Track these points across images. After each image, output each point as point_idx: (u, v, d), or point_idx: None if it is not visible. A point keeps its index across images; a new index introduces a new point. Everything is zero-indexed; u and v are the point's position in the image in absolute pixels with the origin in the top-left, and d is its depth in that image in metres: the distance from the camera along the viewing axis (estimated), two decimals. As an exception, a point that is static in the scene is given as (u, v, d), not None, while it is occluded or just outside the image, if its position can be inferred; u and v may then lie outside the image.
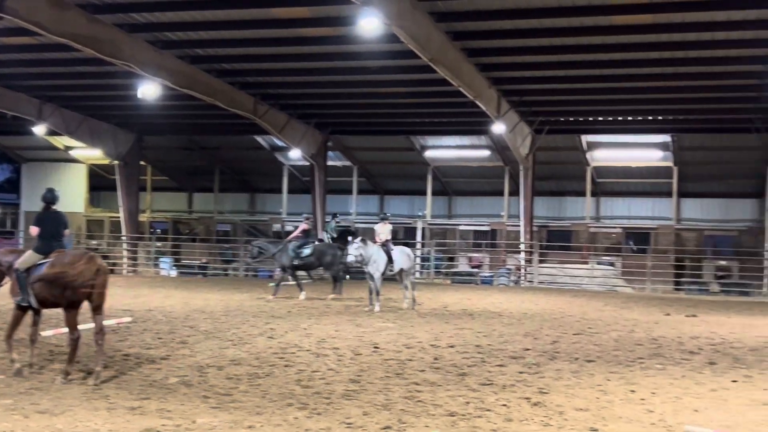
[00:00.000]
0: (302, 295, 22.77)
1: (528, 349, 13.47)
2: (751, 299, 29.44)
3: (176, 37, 24.74)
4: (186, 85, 26.78)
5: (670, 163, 36.31)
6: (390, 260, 20.38)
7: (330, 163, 38.51)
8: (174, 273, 35.64)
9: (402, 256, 20.83)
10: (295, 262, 23.63)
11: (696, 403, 9.50)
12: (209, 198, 43.16)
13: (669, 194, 37.29)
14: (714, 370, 11.93)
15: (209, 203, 43.29)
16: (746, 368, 12.13)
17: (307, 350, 12.82)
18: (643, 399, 9.62)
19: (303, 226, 24.52)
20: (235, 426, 7.97)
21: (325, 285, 26.17)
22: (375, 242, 20.62)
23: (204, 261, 37.06)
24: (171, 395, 9.40)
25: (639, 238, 38.00)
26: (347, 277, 27.09)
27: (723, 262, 35.66)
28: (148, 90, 25.20)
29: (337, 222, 32.26)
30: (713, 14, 21.24)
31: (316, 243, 25.53)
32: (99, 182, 42.50)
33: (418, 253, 35.84)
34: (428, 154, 38.87)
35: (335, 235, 29.04)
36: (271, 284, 25.53)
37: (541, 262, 34.37)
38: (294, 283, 24.06)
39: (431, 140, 38.44)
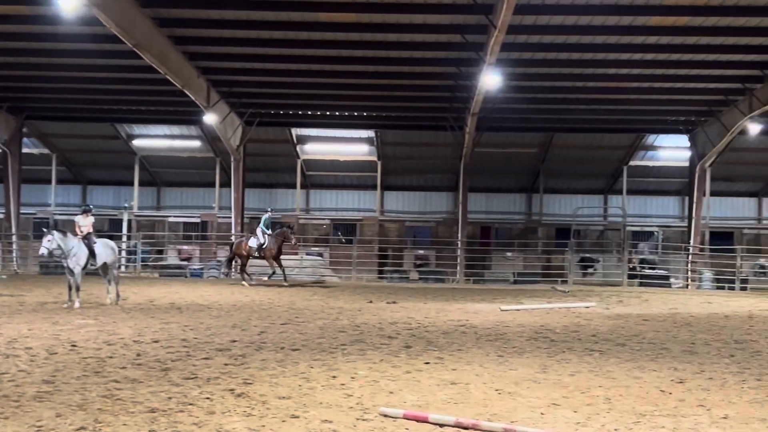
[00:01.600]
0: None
1: (235, 341, 13.44)
2: (446, 286, 31.52)
3: None
4: None
5: (374, 158, 37.96)
6: (92, 254, 19.44)
7: (26, 150, 36.06)
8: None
9: (105, 250, 19.93)
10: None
11: (392, 385, 9.96)
12: None
13: (374, 187, 39.00)
14: (409, 353, 12.57)
15: None
16: (438, 350, 12.92)
17: (-4, 351, 11.88)
18: (343, 384, 9.93)
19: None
20: None
21: (18, 281, 24.40)
22: (76, 235, 19.57)
23: None
24: None
25: (346, 229, 39.35)
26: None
27: (422, 252, 37.94)
28: None
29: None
30: (412, 17, 22.46)
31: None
32: None
33: (124, 246, 34.55)
34: (136, 143, 37.61)
35: (270, 231, 27.86)
36: None
37: (251, 253, 34.42)
38: None
39: (139, 129, 37.24)
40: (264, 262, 28.23)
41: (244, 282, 27.49)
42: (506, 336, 14.95)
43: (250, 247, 27.73)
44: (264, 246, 27.45)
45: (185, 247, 37.26)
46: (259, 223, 28.47)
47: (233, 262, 29.68)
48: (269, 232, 27.74)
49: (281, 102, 32.72)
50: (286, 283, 27.59)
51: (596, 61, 25.87)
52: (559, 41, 24.05)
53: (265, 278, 28.05)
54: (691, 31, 22.97)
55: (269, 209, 30.09)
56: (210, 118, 29.74)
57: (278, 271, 27.74)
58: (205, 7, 22.18)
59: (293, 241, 28.00)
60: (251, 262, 28.53)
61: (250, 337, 14.07)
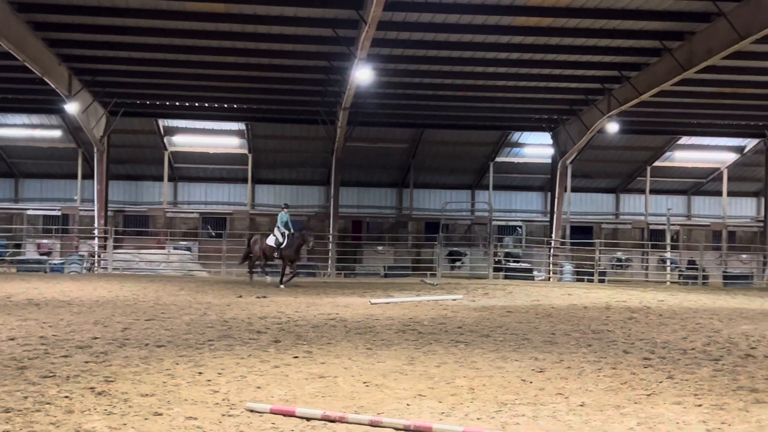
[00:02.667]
0: None
1: (96, 338, 13.03)
2: (317, 280, 31.54)
3: None
4: None
5: (245, 150, 37.55)
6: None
7: None
8: None
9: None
10: None
11: (259, 380, 9.89)
12: None
13: (245, 180, 38.59)
14: (278, 347, 12.52)
15: None
16: (307, 344, 12.92)
17: None
18: (209, 380, 9.78)
19: None
20: None
21: None
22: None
23: None
24: None
25: (216, 223, 38.78)
26: None
27: (293, 246, 37.75)
28: None
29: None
30: (282, 9, 22.33)
31: None
32: None
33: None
34: (-9, 132, 35.90)
35: (292, 230, 25.56)
36: None
37: (116, 247, 33.52)
38: None
39: (-6, 118, 35.56)
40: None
41: (265, 279, 26.02)
42: (375, 329, 15.08)
43: (268, 246, 25.93)
44: (283, 246, 25.36)
45: (45, 241, 35.87)
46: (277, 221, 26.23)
47: (251, 262, 27.77)
48: (289, 231, 25.59)
49: (148, 92, 31.88)
50: (282, 286, 25.11)
51: (464, 59, 26.40)
52: (428, 38, 24.41)
53: (280, 285, 25.36)
54: (553, 32, 23.76)
55: (285, 205, 27.08)
56: (72, 108, 28.72)
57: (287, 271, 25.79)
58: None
59: (311, 245, 25.76)
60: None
61: (112, 333, 13.68)
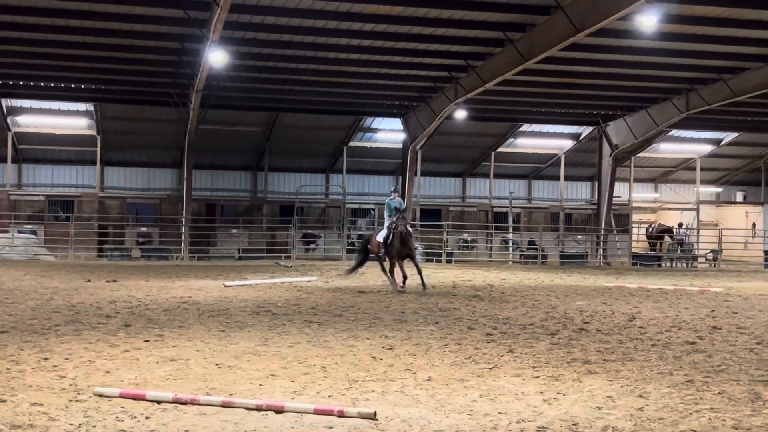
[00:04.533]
0: None
1: (-67, 325, 12.30)
2: (170, 263, 30.90)
3: None
4: None
5: (93, 132, 36.21)
6: None
7: None
8: None
9: None
10: None
11: (108, 364, 9.63)
12: None
13: (93, 162, 37.19)
14: (128, 332, 12.22)
15: None
16: (159, 328, 12.67)
17: None
18: (56, 365, 9.45)
19: None
20: None
21: None
22: None
23: None
24: None
25: (63, 206, 37.27)
26: None
27: (144, 229, 36.86)
28: None
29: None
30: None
31: None
32: None
33: None
34: None
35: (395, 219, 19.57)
36: None
37: (-45, 231, 31.71)
38: None
39: None
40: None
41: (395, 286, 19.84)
42: (229, 311, 14.96)
43: (376, 242, 20.30)
44: (390, 242, 19.62)
45: None
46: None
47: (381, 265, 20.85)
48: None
49: (-11, 71, 30.18)
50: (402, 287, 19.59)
51: (318, 45, 26.34)
52: (282, 23, 24.16)
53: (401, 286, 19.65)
54: (403, 21, 24.02)
55: (394, 189, 21.30)
56: None
57: (399, 279, 19.74)
58: None
59: (401, 230, 19.34)
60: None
61: (-49, 320, 12.97)
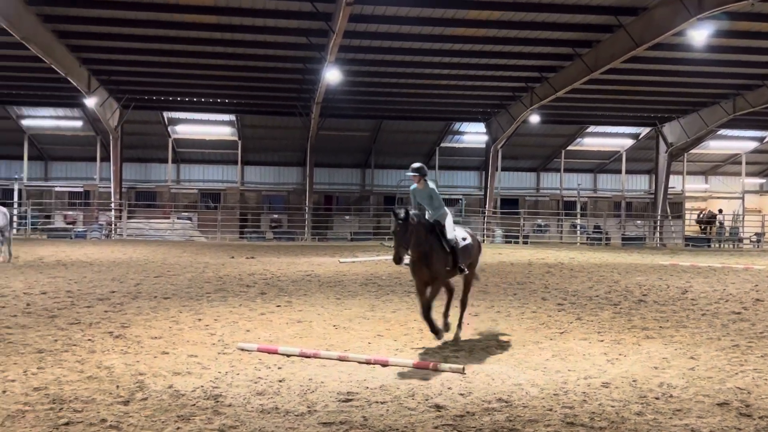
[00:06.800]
0: None
1: (114, 292, 12.90)
2: (296, 243, 31.47)
3: None
4: None
5: (236, 138, 37.16)
6: (-16, 219, 17.95)
7: None
8: None
9: (-4, 215, 18.52)
10: None
11: (248, 324, 9.88)
12: None
13: (235, 162, 38.20)
14: (264, 298, 12.50)
15: None
16: (288, 295, 12.92)
17: None
18: (207, 325, 9.76)
19: None
20: None
21: None
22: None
23: None
24: None
25: (212, 197, 38.46)
26: None
27: (276, 216, 37.65)
28: None
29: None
30: (265, 21, 22.00)
31: None
32: None
33: (16, 212, 32.26)
34: (25, 122, 35.07)
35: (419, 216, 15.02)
36: None
37: (129, 218, 33.10)
38: None
39: (27, 110, 34.67)
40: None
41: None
42: (343, 283, 15.11)
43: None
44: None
45: (70, 212, 35.24)
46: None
47: None
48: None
49: (154, 89, 31.31)
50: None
51: (415, 63, 26.28)
52: (385, 45, 24.24)
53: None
54: (486, 41, 23.72)
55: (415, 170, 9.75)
56: (91, 102, 28.17)
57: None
58: (85, 6, 20.81)
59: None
60: None
61: (127, 288, 13.56)
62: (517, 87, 29.81)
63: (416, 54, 25.10)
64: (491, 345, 8.66)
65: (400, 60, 25.96)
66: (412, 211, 8.68)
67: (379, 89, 30.60)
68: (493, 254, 19.21)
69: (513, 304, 12.19)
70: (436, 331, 8.54)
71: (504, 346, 8.60)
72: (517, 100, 31.03)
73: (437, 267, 8.59)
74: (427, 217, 9.13)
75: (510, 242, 33.80)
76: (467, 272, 9.44)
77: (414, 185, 9.52)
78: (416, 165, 9.38)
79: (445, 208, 9.39)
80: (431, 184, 9.38)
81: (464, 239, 9.48)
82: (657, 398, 6.40)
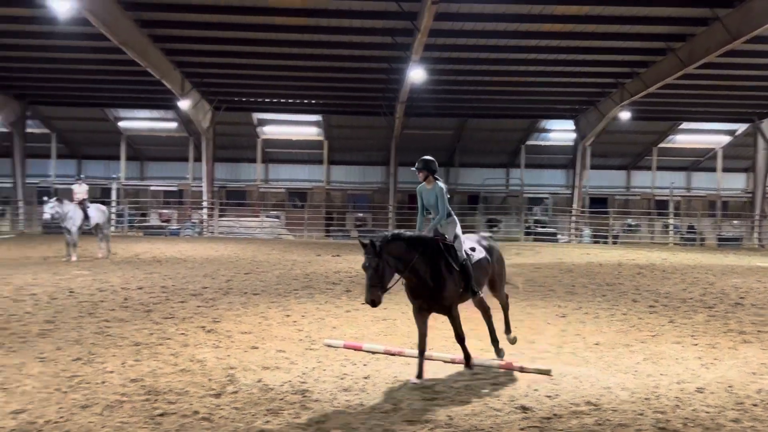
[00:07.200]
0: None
1: (206, 288, 13.32)
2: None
3: None
4: None
5: (321, 138, 37.69)
6: (86, 216, 19.01)
7: (29, 130, 34.91)
8: None
9: (97, 213, 19.52)
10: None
11: (334, 321, 10.02)
12: None
13: (321, 162, 38.74)
14: (349, 296, 12.64)
15: None
16: (372, 293, 13.01)
17: (6, 297, 11.58)
18: (295, 321, 9.95)
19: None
20: (-74, 371, 6.99)
21: (24, 239, 23.63)
22: (72, 201, 19.09)
23: None
24: None
25: (299, 196, 39.15)
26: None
27: (360, 214, 37.97)
28: None
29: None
30: (351, 21, 22.17)
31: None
32: None
33: (113, 210, 33.79)
34: (122, 124, 36.65)
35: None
36: None
37: (220, 216, 34.08)
38: None
39: (124, 112, 36.25)
40: None
41: None
42: (427, 281, 15.08)
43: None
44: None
45: (165, 210, 36.59)
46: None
47: None
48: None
49: (244, 91, 32.12)
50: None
51: (500, 60, 25.95)
52: (470, 43, 24.05)
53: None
54: (575, 36, 23.17)
55: (419, 165, 7.86)
56: (184, 104, 29.12)
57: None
58: (179, 11, 21.59)
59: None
60: None
61: (218, 284, 13.97)
62: (606, 83, 29.03)
63: (502, 51, 24.80)
64: (578, 347, 8.48)
65: (485, 57, 25.69)
66: (387, 234, 6.91)
67: (463, 87, 30.40)
68: (580, 254, 18.78)
69: (602, 306, 11.89)
70: (421, 375, 6.91)
71: (592, 349, 8.40)
72: (607, 96, 30.21)
73: (446, 294, 7.10)
74: (432, 226, 7.41)
75: (598, 242, 32.95)
76: (481, 295, 7.62)
77: (422, 183, 7.67)
78: (424, 158, 7.58)
79: (454, 216, 7.55)
80: (441, 184, 7.60)
81: (474, 250, 7.60)
82: (755, 405, 6.11)
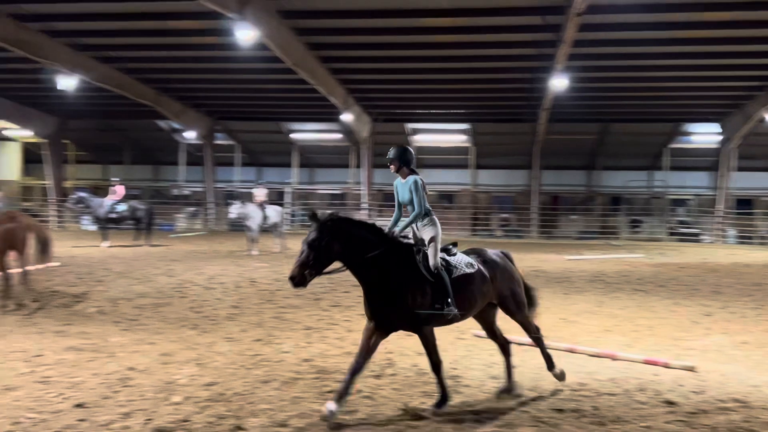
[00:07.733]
0: (105, 244, 20.78)
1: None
2: (524, 241, 31.05)
3: (92, 42, 23.21)
4: (100, 80, 25.25)
5: (469, 144, 37.54)
6: (265, 216, 20.13)
7: (217, 142, 37.50)
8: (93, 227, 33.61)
9: (274, 213, 20.61)
10: (110, 216, 21.55)
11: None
12: (120, 169, 40.91)
13: (466, 166, 38.60)
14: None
15: (121, 173, 41.03)
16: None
17: (199, 285, 12.51)
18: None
19: (120, 189, 22.23)
20: (140, 342, 7.71)
21: (213, 236, 25.28)
22: (253, 203, 20.30)
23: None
24: (89, 321, 8.97)
25: (447, 198, 39.26)
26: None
27: (505, 215, 37.45)
28: (67, 83, 23.70)
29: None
30: (497, 36, 21.87)
31: (131, 201, 22.36)
32: (31, 156, 39.55)
33: (287, 210, 35.52)
34: (294, 135, 38.45)
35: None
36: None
37: (378, 215, 34.84)
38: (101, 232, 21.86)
39: (296, 125, 38.00)
40: None
41: None
42: (570, 279, 14.65)
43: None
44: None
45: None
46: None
47: None
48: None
49: (399, 104, 32.65)
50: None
51: (643, 66, 24.61)
52: (613, 51, 23.01)
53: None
54: (719, 42, 21.55)
55: (391, 157, 6.53)
56: (346, 117, 30.05)
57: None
58: (345, 35, 22.33)
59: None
60: None
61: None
62: (752, 86, 26.71)
63: (645, 58, 23.50)
64: (724, 345, 7.88)
65: (628, 65, 24.47)
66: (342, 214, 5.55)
67: (605, 93, 29.11)
68: (725, 255, 17.46)
69: (748, 305, 10.98)
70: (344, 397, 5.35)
71: (739, 347, 7.78)
72: (754, 98, 27.79)
73: (407, 306, 5.49)
74: (406, 225, 5.94)
75: (744, 243, 30.39)
76: (458, 317, 5.86)
77: (400, 178, 6.24)
78: (396, 147, 6.19)
79: (433, 215, 6.07)
80: (416, 176, 6.08)
81: (471, 266, 6.09)
82: None
